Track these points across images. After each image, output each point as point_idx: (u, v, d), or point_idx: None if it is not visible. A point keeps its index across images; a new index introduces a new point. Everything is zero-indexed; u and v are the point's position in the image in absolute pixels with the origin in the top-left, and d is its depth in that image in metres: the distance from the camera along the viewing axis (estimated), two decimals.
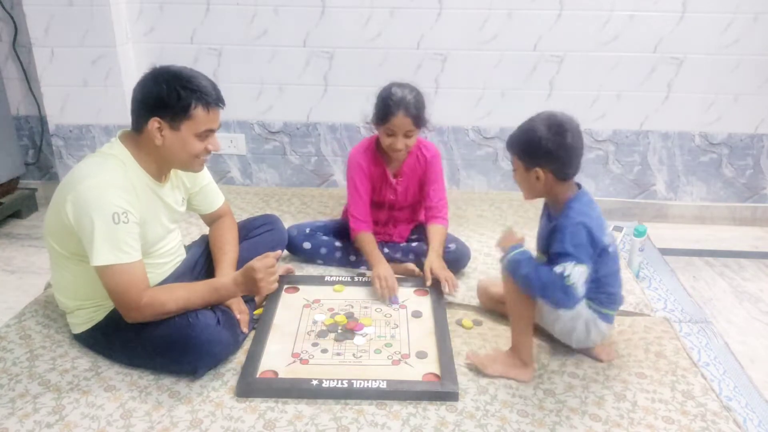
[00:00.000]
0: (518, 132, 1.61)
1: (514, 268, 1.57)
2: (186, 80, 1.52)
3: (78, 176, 1.50)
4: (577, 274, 1.48)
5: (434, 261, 2.02)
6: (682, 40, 2.71)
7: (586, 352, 1.72)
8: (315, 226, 2.27)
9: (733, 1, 2.64)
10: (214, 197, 1.89)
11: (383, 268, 2.00)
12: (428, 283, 1.98)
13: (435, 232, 2.10)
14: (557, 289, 1.50)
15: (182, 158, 1.58)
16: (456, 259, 2.14)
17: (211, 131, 1.58)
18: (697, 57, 2.74)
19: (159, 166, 1.62)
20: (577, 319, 1.63)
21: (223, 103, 1.59)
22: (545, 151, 1.53)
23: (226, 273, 1.74)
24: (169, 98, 1.50)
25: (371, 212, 2.17)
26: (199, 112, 1.52)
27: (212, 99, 1.54)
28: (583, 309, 1.61)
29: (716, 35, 2.70)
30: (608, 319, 1.66)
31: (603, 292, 1.63)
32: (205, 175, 1.84)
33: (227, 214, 1.93)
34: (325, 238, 2.22)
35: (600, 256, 1.56)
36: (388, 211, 2.22)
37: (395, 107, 1.97)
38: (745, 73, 2.76)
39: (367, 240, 2.10)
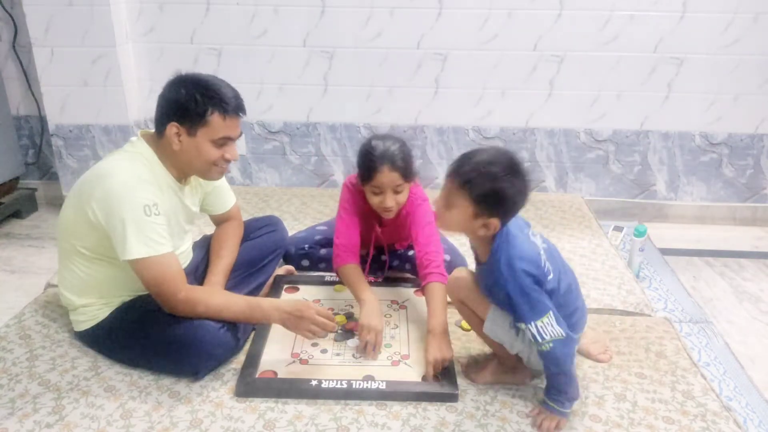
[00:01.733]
0: (473, 171, 1.35)
1: (557, 361, 1.40)
2: (205, 87, 1.51)
3: (104, 173, 1.51)
4: (549, 327, 1.37)
5: (431, 344, 1.62)
6: (682, 40, 2.71)
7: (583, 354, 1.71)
8: (313, 240, 2.18)
9: (733, 1, 2.64)
10: (227, 198, 1.87)
11: (374, 316, 1.71)
12: (428, 379, 1.59)
13: (432, 296, 1.74)
14: (563, 355, 1.39)
15: (198, 165, 1.58)
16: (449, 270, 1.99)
17: (229, 139, 1.57)
18: (698, 57, 2.74)
19: (179, 171, 1.62)
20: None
21: (244, 112, 1.58)
22: (512, 203, 1.36)
23: (216, 280, 1.73)
24: (187, 104, 1.50)
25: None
26: (215, 118, 1.52)
27: (230, 107, 1.53)
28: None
29: (716, 35, 2.70)
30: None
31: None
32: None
33: (236, 217, 1.92)
34: (323, 252, 2.15)
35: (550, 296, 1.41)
36: (375, 248, 2.04)
37: (379, 162, 1.75)
38: (745, 73, 2.76)
39: (352, 272, 1.86)
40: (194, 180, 1.72)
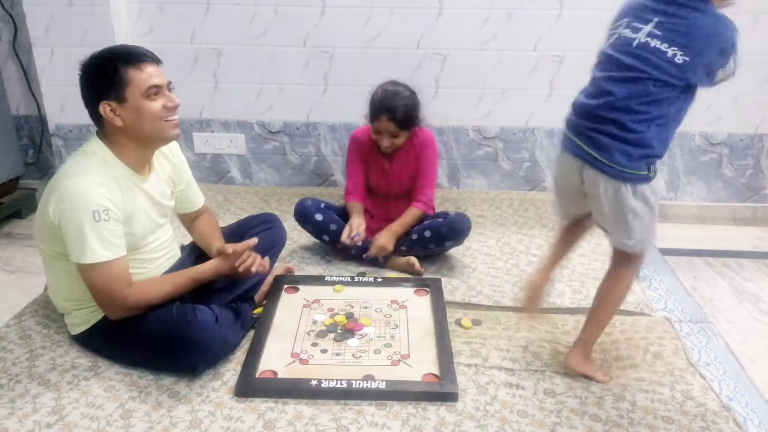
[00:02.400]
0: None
1: None
2: (105, 56, 1.52)
3: (60, 176, 1.52)
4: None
5: (383, 233, 2.14)
6: None
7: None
8: (328, 203, 2.33)
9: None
10: (197, 195, 1.89)
11: (357, 221, 2.15)
12: (371, 253, 2.13)
13: (406, 212, 2.20)
14: None
15: (148, 127, 1.55)
16: (449, 225, 2.14)
17: (158, 87, 1.54)
18: None
19: (137, 153, 1.60)
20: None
21: (153, 57, 1.56)
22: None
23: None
24: (101, 77, 1.50)
25: (369, 202, 2.31)
26: (130, 73, 1.50)
27: (135, 56, 1.52)
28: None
29: None
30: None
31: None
32: (188, 170, 1.83)
33: (208, 210, 1.95)
34: (336, 216, 2.27)
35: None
36: (383, 200, 2.27)
37: (380, 110, 2.06)
38: (745, 72, 2.74)
39: (355, 206, 2.24)
40: (161, 170, 1.71)
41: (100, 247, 1.47)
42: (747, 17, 2.66)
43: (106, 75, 1.50)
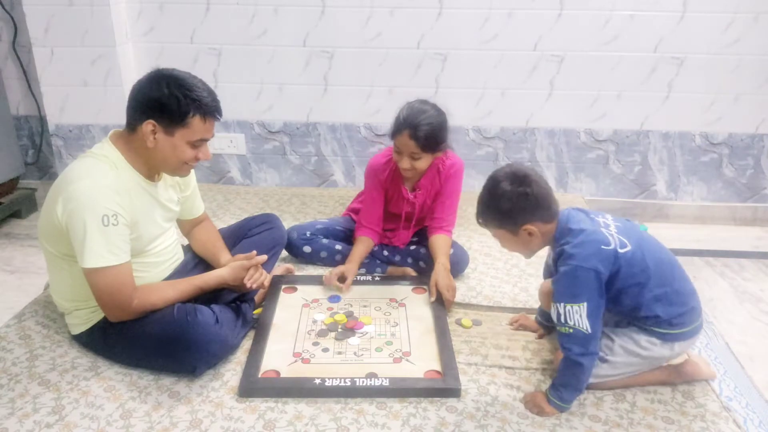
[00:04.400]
0: (486, 204, 1.50)
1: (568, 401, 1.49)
2: (188, 88, 1.51)
3: (69, 178, 1.51)
4: (576, 316, 1.40)
5: (441, 274, 1.93)
6: (682, 40, 2.71)
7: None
8: (315, 229, 2.23)
9: (733, 1, 2.64)
10: (199, 202, 1.90)
11: (348, 267, 2.00)
12: (432, 299, 1.91)
13: (441, 244, 2.03)
14: (576, 349, 1.43)
15: (171, 163, 1.58)
16: (454, 263, 2.07)
17: (204, 141, 1.59)
18: (698, 57, 2.74)
19: (148, 167, 1.62)
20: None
21: (221, 114, 1.59)
22: (521, 208, 1.45)
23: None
24: (169, 103, 1.49)
25: (391, 224, 2.17)
26: (196, 121, 1.52)
27: (210, 110, 1.54)
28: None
29: (717, 35, 2.70)
30: (664, 337, 1.51)
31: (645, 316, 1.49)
32: (194, 177, 1.85)
33: (208, 218, 1.96)
34: (325, 241, 2.21)
35: (617, 272, 1.43)
36: (405, 221, 2.16)
37: (402, 126, 1.88)
38: (745, 72, 2.75)
39: (362, 242, 2.09)
40: (169, 177, 1.71)
41: (107, 252, 1.47)
42: (747, 17, 2.66)
43: (176, 105, 1.49)
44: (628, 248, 1.44)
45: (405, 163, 1.92)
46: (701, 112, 2.84)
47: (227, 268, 1.72)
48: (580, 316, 1.41)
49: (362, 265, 2.13)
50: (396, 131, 1.90)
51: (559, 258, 1.47)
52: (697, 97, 2.81)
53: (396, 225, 2.17)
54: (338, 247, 2.20)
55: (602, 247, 1.43)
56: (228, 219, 2.55)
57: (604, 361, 1.52)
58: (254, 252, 1.76)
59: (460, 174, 2.08)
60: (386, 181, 2.08)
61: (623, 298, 1.47)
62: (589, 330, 1.41)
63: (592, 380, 1.52)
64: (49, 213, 1.53)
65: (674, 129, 2.88)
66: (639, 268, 1.45)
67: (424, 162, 1.93)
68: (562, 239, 1.48)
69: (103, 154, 1.56)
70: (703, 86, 2.78)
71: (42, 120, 2.98)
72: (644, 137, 2.90)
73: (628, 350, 1.52)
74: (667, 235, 2.78)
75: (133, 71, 2.80)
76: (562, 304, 1.42)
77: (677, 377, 1.60)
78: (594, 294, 1.41)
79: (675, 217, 3.00)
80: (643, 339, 1.52)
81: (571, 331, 1.42)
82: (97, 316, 1.63)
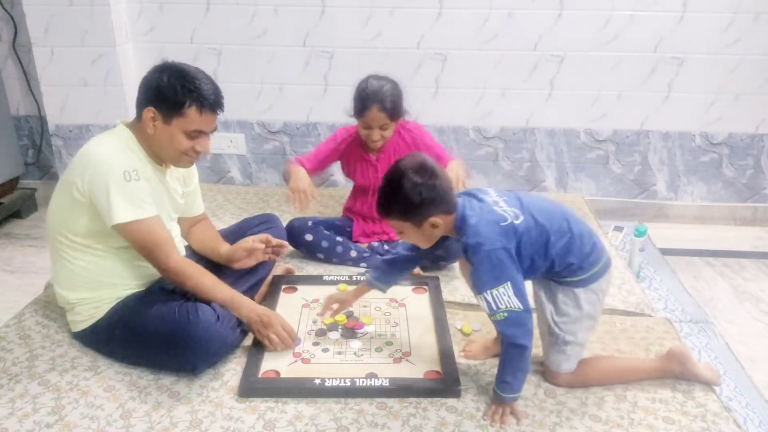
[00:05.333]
0: (393, 197, 1.44)
1: (515, 390, 1.47)
2: (187, 79, 1.54)
3: (84, 152, 1.55)
4: (505, 298, 1.40)
5: (452, 168, 2.01)
6: (682, 40, 2.71)
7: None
8: (317, 220, 2.28)
9: (733, 1, 2.64)
10: (200, 201, 1.91)
11: (303, 182, 2.12)
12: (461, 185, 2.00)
13: (452, 166, 2.09)
14: (516, 331, 1.42)
15: (169, 152, 1.61)
16: (450, 256, 2.10)
17: (202, 133, 1.59)
18: (698, 57, 2.74)
19: (155, 155, 1.65)
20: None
21: (221, 109, 1.60)
22: (430, 200, 1.41)
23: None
24: (167, 92, 1.53)
25: (358, 203, 2.30)
26: (192, 112, 1.54)
27: (208, 102, 1.56)
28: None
29: (717, 35, 2.70)
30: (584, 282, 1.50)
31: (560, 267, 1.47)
32: (197, 174, 1.86)
33: (207, 217, 1.97)
34: (326, 232, 2.23)
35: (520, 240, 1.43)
36: (373, 196, 2.21)
37: (370, 102, 2.03)
38: (745, 72, 2.76)
39: (296, 168, 2.21)
40: (175, 169, 1.73)
41: (133, 206, 1.50)
42: (747, 17, 2.67)
43: (173, 94, 1.52)
44: (522, 218, 1.45)
45: (375, 135, 2.09)
46: (701, 112, 2.84)
47: (258, 314, 1.64)
48: (509, 297, 1.40)
49: (364, 260, 2.18)
50: (363, 108, 2.05)
51: (466, 252, 1.46)
52: (697, 97, 2.81)
53: (366, 196, 2.27)
54: (339, 239, 2.22)
55: (501, 224, 1.43)
56: (228, 219, 2.55)
57: (565, 343, 1.51)
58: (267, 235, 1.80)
59: (423, 129, 2.25)
60: (349, 148, 2.23)
61: (537, 261, 1.47)
62: (521, 306, 1.41)
63: (575, 376, 1.53)
64: (67, 190, 1.54)
65: (674, 129, 2.88)
66: (537, 230, 1.45)
67: (390, 130, 2.12)
68: (462, 228, 1.46)
69: (116, 133, 1.60)
70: (703, 86, 2.79)
71: (42, 120, 2.99)
72: (644, 137, 2.90)
73: (574, 317, 1.51)
74: (667, 235, 2.79)
75: (133, 71, 2.80)
76: (488, 292, 1.41)
77: (671, 365, 1.60)
78: (512, 271, 1.42)
79: (675, 217, 3.00)
80: (582, 295, 1.50)
81: (505, 315, 1.40)
82: (99, 313, 1.63)
